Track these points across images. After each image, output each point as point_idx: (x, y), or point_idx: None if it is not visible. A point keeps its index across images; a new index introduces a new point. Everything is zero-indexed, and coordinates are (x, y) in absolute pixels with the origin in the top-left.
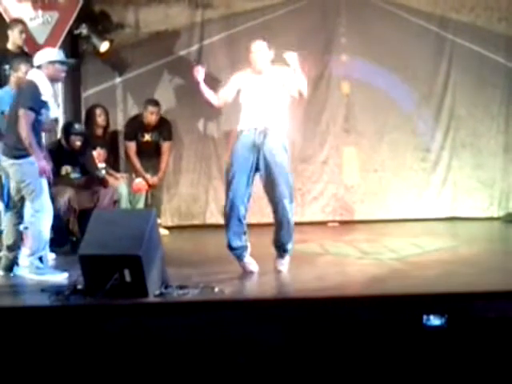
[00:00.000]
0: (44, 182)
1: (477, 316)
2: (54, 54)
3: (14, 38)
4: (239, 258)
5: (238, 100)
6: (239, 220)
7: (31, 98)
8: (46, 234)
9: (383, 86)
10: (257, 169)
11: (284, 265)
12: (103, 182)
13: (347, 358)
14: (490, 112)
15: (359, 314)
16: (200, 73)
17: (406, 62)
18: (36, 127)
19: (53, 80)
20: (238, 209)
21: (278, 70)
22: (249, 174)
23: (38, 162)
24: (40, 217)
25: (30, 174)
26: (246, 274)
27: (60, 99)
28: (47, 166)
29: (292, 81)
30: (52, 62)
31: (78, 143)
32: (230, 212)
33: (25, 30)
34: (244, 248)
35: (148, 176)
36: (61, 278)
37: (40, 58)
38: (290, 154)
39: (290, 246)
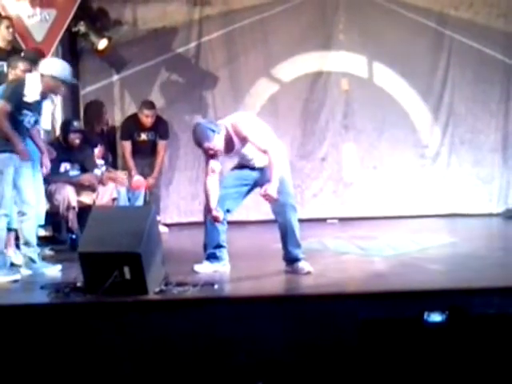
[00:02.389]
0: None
1: (477, 312)
2: (60, 69)
3: (3, 35)
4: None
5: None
6: None
7: (12, 92)
8: None
9: (382, 82)
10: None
11: (305, 266)
12: (102, 180)
13: (347, 354)
14: (488, 108)
15: (359, 310)
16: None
17: (405, 58)
18: (18, 127)
19: (50, 92)
20: None
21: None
22: None
23: (17, 147)
24: None
25: None
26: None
27: (57, 98)
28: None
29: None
30: (54, 78)
31: (77, 141)
32: None
33: (12, 24)
34: None
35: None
36: None
37: (46, 67)
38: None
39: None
